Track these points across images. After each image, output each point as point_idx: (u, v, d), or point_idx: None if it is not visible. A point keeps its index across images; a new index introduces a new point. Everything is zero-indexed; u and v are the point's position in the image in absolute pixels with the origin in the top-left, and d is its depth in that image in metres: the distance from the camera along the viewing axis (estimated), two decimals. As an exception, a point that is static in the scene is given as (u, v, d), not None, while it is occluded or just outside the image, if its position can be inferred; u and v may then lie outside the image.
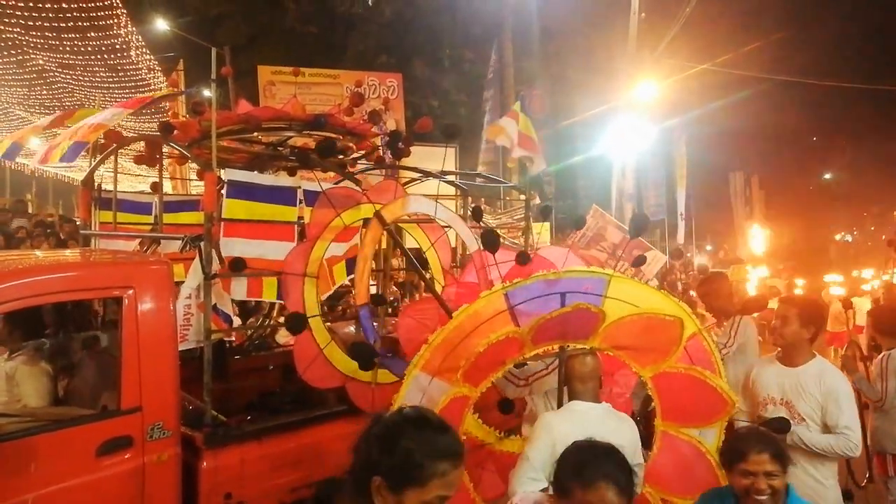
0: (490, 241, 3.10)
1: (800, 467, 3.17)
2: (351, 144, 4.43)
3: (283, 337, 6.20)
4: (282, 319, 6.06)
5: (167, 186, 11.15)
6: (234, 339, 4.77)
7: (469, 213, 4.75)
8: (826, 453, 3.15)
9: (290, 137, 4.21)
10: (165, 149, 4.39)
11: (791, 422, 3.24)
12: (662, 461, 3.18)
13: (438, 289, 3.93)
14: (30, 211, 14.12)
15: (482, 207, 13.70)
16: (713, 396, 3.18)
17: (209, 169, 3.36)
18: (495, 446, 3.30)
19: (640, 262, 4.78)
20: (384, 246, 4.61)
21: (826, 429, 3.18)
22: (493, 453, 3.30)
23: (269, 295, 3.76)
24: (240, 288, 3.61)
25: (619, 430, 2.89)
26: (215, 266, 3.40)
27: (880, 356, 4.62)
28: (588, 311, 2.88)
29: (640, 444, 2.97)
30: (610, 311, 2.99)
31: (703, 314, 5.66)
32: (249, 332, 5.11)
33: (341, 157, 4.62)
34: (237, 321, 5.57)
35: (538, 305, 2.90)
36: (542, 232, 13.84)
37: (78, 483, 2.86)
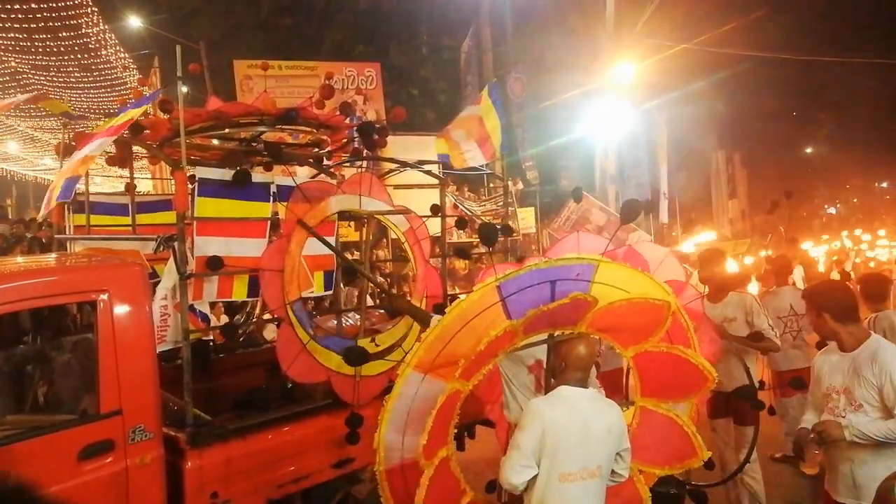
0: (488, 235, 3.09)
1: (860, 460, 2.99)
2: (325, 137, 4.39)
3: (270, 333, 6.18)
4: (266, 316, 6.05)
5: (148, 185, 10.98)
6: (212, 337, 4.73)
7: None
8: (888, 440, 2.87)
9: (263, 132, 4.17)
10: (138, 148, 4.33)
11: (842, 410, 3.06)
12: (641, 434, 3.24)
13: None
14: (9, 216, 13.95)
15: (467, 195, 13.73)
16: (693, 372, 3.23)
17: (179, 168, 3.32)
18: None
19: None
20: (368, 238, 4.59)
21: (887, 412, 2.90)
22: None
23: (239, 294, 3.72)
24: (210, 289, 3.57)
25: (607, 415, 2.91)
26: (190, 266, 3.37)
27: (867, 318, 4.70)
28: (584, 300, 2.88)
29: (626, 428, 3.00)
30: (599, 296, 2.99)
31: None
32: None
33: (316, 150, 4.58)
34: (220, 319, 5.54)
35: (529, 294, 2.88)
36: (526, 217, 13.88)
37: (60, 489, 2.85)
